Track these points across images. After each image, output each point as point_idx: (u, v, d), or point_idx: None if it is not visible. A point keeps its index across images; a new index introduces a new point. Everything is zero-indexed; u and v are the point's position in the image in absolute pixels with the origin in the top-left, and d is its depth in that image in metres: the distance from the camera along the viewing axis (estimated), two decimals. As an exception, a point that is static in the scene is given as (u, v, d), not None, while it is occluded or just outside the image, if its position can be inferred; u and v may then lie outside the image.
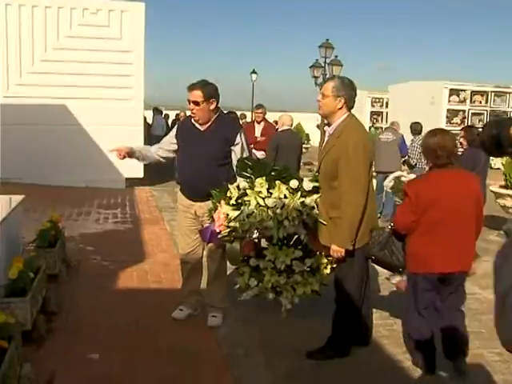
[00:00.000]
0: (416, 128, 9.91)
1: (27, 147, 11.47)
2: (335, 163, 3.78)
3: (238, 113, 13.82)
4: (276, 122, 10.37)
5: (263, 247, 4.12)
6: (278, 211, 3.84)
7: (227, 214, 3.92)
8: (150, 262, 6.20)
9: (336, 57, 18.24)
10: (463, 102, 22.28)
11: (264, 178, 3.93)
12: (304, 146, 19.28)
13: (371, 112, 28.98)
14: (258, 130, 9.22)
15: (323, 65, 18.34)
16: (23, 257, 4.48)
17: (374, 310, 5.13)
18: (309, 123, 22.56)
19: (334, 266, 4.09)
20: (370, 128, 23.34)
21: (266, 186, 3.90)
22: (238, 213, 3.87)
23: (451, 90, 22.03)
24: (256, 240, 4.13)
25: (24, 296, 3.82)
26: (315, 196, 3.96)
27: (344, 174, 3.73)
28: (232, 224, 3.92)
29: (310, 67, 18.69)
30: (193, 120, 4.41)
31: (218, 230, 4.00)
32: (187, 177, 4.43)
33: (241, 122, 12.44)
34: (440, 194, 3.66)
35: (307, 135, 20.71)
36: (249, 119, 17.13)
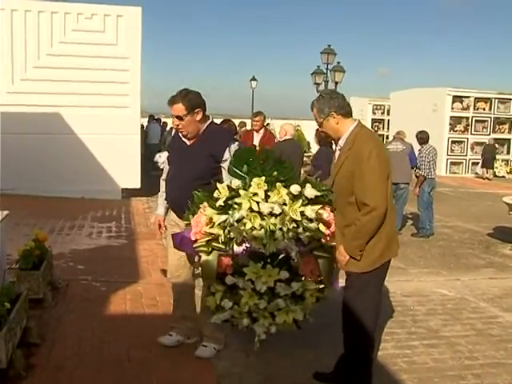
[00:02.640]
0: (422, 137, 9.55)
1: (20, 157, 11.04)
2: (351, 175, 3.38)
3: (237, 121, 13.42)
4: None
5: (243, 264, 3.38)
6: (272, 220, 3.19)
7: (210, 219, 3.29)
8: (144, 283, 5.76)
9: (338, 63, 17.88)
10: (466, 109, 22.01)
11: (263, 178, 3.28)
12: (306, 154, 18.96)
13: (372, 119, 28.72)
14: (257, 138, 8.80)
15: (325, 71, 17.99)
16: (3, 282, 4.08)
17: (388, 337, 4.73)
18: (309, 131, 22.17)
19: (321, 295, 3.48)
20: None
21: (265, 188, 3.24)
22: (225, 217, 3.22)
23: (454, 96, 21.76)
24: (236, 255, 3.38)
25: (-2, 330, 3.38)
26: (317, 207, 3.28)
27: (359, 185, 3.34)
28: (215, 231, 3.28)
29: (312, 74, 18.34)
30: (180, 134, 4.06)
31: (193, 238, 3.37)
32: (172, 195, 4.10)
33: (241, 130, 12.03)
34: None
35: (308, 143, 20.32)
36: (249, 127, 16.73)
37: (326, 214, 3.32)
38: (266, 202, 3.18)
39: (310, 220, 3.25)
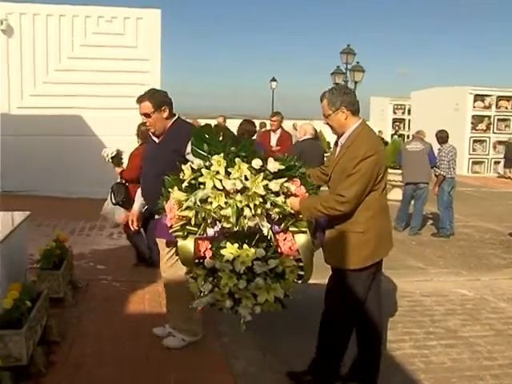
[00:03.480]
0: (442, 136, 9.47)
1: (42, 159, 11.20)
2: (344, 172, 3.41)
3: (258, 121, 13.44)
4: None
5: (220, 246, 3.33)
6: (238, 197, 3.14)
7: (179, 201, 3.28)
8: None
9: (358, 63, 17.80)
10: (488, 107, 21.71)
11: (222, 154, 3.24)
12: (326, 154, 18.89)
13: (393, 119, 28.52)
14: (274, 138, 8.81)
15: (345, 71, 17.93)
16: (25, 281, 4.15)
17: (406, 337, 4.72)
18: (329, 131, 22.08)
19: (302, 273, 3.44)
20: (392, 136, 22.82)
21: (225, 165, 3.20)
22: (190, 197, 3.20)
23: (476, 95, 21.48)
24: (211, 237, 3.36)
25: (19, 328, 3.44)
26: (281, 180, 3.24)
27: (345, 179, 3.37)
28: (186, 213, 3.26)
29: (332, 74, 18.29)
30: (150, 132, 4.26)
31: (169, 224, 3.36)
32: (144, 191, 4.29)
33: (260, 131, 12.04)
34: None
35: (328, 143, 20.24)
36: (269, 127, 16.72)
37: (294, 186, 3.33)
38: (229, 179, 3.16)
39: (277, 194, 3.23)
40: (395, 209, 10.13)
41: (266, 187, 3.18)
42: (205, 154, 3.31)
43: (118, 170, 6.45)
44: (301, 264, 3.40)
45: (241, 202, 3.13)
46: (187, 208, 3.24)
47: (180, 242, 3.35)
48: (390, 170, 13.54)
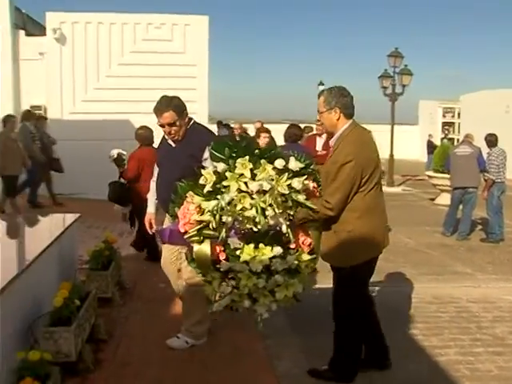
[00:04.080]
0: (491, 140, 9.26)
1: (92, 162, 11.49)
2: (329, 176, 3.58)
3: (303, 125, 13.42)
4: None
5: (235, 248, 3.36)
6: (261, 198, 3.18)
7: (199, 206, 3.28)
8: (208, 284, 5.87)
9: (405, 66, 17.55)
10: (541, 109, 21.06)
11: (247, 157, 3.26)
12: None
13: (443, 123, 28.05)
14: (320, 143, 8.79)
15: (392, 74, 17.70)
16: (74, 280, 4.28)
17: (452, 343, 4.65)
18: (378, 135, 21.80)
19: (313, 264, 3.57)
20: (442, 139, 22.43)
21: (250, 167, 3.23)
22: (215, 202, 3.19)
23: (528, 97, 20.88)
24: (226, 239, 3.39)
25: (69, 325, 3.57)
26: (302, 178, 3.31)
27: (330, 184, 3.55)
28: (206, 217, 3.26)
29: (379, 77, 18.06)
30: (166, 136, 4.25)
31: (182, 230, 3.39)
32: (160, 196, 4.30)
33: (306, 135, 12.02)
34: None
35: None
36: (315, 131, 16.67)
37: (311, 184, 3.44)
38: (253, 180, 3.19)
39: (298, 192, 3.30)
40: (443, 213, 9.99)
41: (288, 186, 3.24)
42: (224, 158, 3.32)
43: (120, 170, 7.09)
44: (313, 256, 3.49)
45: (264, 202, 3.17)
46: (207, 212, 3.26)
47: (196, 247, 3.38)
48: (438, 175, 13.41)
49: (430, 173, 14.07)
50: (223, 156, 3.33)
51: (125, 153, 7.17)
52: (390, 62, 17.58)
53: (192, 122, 4.24)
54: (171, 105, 4.09)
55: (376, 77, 18.33)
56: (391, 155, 17.67)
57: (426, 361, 4.29)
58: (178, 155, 4.11)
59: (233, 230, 3.30)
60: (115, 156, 7.08)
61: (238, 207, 3.17)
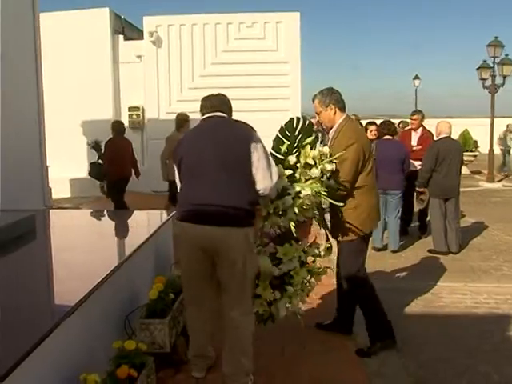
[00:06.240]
0: None
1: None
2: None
3: (397, 120, 13.12)
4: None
5: (271, 252, 3.83)
6: (313, 185, 3.67)
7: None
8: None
9: (506, 55, 16.67)
10: None
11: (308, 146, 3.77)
12: (472, 153, 17.95)
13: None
14: (415, 138, 8.59)
15: (492, 65, 16.86)
16: (168, 275, 4.41)
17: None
18: (477, 129, 20.92)
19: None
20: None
21: (311, 155, 3.71)
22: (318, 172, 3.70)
23: None
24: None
25: (163, 317, 3.68)
26: (330, 159, 3.83)
27: (340, 166, 3.97)
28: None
29: (477, 69, 17.27)
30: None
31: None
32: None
33: (401, 130, 11.76)
34: None
35: (475, 142, 19.18)
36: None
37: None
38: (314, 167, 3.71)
39: (329, 177, 3.85)
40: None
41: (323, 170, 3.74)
42: (291, 136, 3.84)
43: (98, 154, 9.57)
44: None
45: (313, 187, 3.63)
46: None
47: (261, 260, 3.68)
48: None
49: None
50: (279, 155, 3.78)
51: (101, 140, 9.40)
52: (489, 52, 16.75)
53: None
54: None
55: (474, 69, 17.57)
56: (491, 150, 16.82)
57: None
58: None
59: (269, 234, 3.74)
60: (93, 144, 9.55)
61: (304, 193, 3.60)
